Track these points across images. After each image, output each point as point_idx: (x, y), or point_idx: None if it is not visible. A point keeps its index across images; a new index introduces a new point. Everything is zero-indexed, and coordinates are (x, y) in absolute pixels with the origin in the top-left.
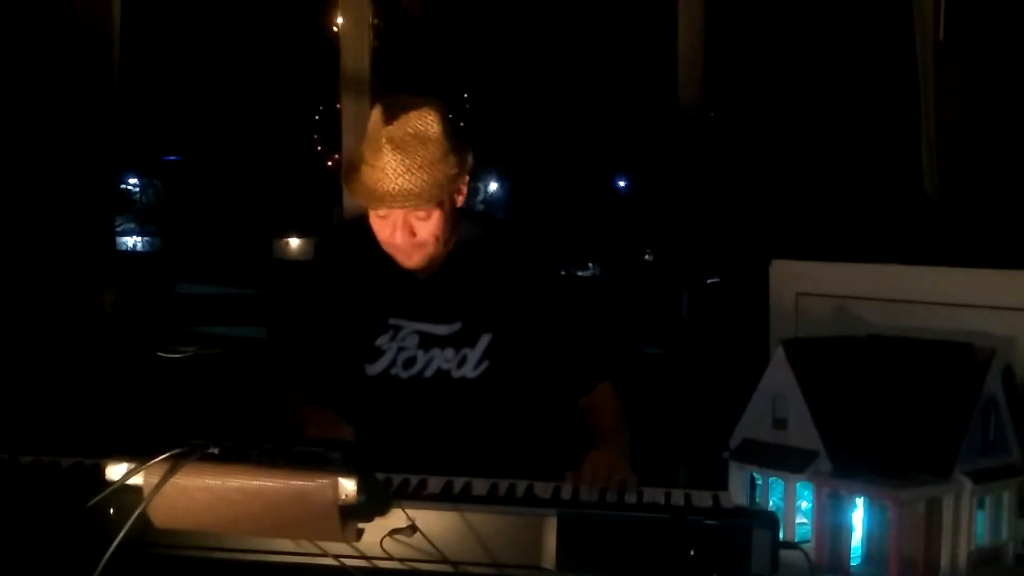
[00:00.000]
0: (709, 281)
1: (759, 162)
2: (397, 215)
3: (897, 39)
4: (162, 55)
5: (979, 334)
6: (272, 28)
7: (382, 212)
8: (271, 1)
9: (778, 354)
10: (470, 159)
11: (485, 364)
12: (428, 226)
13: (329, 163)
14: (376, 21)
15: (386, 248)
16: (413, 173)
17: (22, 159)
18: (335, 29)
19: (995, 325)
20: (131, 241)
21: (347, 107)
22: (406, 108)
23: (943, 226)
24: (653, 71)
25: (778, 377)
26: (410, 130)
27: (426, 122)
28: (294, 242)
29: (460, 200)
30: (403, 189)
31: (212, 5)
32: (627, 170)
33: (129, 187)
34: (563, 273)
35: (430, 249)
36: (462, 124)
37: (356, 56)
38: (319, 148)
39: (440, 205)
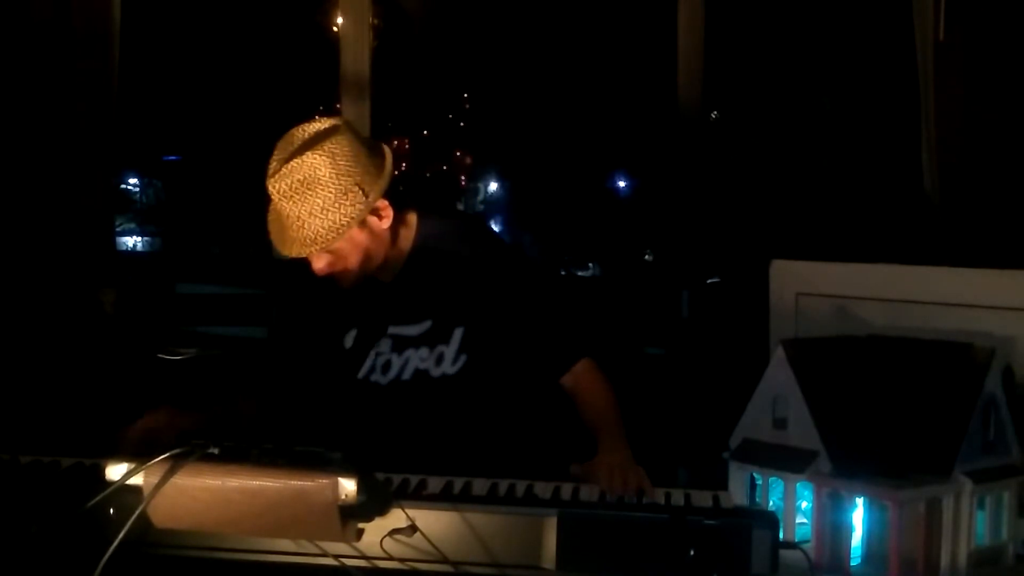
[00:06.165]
0: (709, 281)
1: (759, 162)
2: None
3: (897, 39)
4: (162, 55)
5: (979, 334)
6: (272, 28)
7: None
8: (271, 1)
9: (778, 354)
10: (388, 166)
11: (463, 358)
12: (340, 261)
13: None
14: (376, 21)
15: None
16: (304, 221)
17: (22, 160)
18: (335, 29)
19: (995, 325)
20: (131, 241)
21: (347, 107)
22: (293, 152)
23: (943, 226)
24: (653, 71)
25: (778, 377)
26: (298, 177)
27: (313, 166)
28: None
29: (383, 222)
30: (298, 239)
31: (212, 5)
32: (627, 170)
33: (129, 187)
34: (525, 257)
35: (354, 275)
36: (461, 124)
37: (356, 56)
38: None
39: (348, 240)
